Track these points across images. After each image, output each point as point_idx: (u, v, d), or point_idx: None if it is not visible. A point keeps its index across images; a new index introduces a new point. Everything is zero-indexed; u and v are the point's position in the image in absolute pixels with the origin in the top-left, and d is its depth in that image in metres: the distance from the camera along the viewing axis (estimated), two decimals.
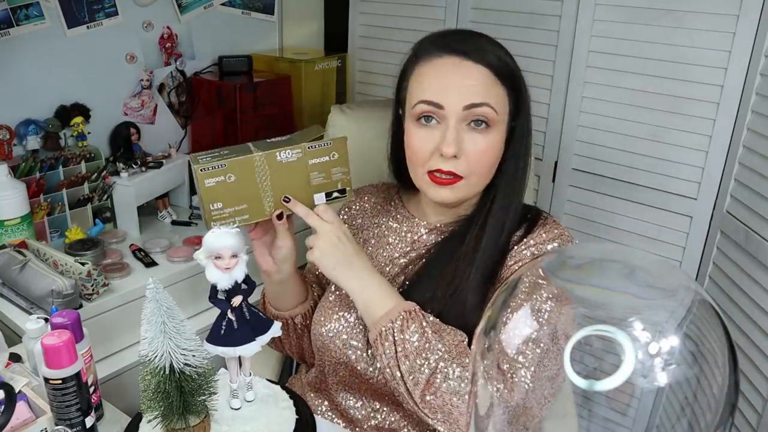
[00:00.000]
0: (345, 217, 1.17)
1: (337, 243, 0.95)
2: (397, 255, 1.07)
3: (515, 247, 0.99)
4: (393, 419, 1.03)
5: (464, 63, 0.94)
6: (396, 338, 0.90)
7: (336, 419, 1.08)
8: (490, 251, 0.98)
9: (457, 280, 0.97)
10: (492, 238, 0.99)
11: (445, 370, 0.88)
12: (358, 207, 1.17)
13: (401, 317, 0.91)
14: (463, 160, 0.95)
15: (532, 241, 0.99)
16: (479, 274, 0.97)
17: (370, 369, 1.00)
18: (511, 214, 1.00)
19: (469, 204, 1.05)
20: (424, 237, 1.06)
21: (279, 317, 1.09)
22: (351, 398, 1.06)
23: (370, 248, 1.10)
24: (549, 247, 0.99)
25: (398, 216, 1.11)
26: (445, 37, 0.99)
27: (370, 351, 0.99)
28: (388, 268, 1.06)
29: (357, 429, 1.05)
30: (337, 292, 1.05)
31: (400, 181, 1.13)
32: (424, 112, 0.96)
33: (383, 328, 0.91)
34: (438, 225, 1.06)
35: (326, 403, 1.10)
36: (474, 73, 0.94)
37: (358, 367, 1.01)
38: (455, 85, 0.94)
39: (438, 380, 0.88)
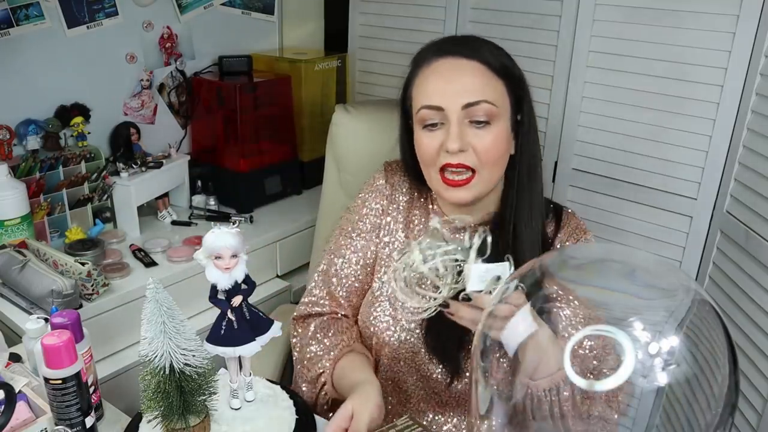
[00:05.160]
0: (387, 198, 1.13)
1: None
2: None
3: (554, 243, 1.02)
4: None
5: (460, 62, 0.96)
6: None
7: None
8: (528, 253, 0.99)
9: None
10: (528, 240, 1.00)
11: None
12: (397, 187, 1.13)
13: None
14: (471, 153, 0.96)
15: (573, 239, 1.03)
16: None
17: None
18: (538, 208, 1.02)
19: (489, 200, 1.05)
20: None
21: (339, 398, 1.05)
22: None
23: (399, 239, 1.09)
24: (587, 237, 1.04)
25: (431, 206, 1.10)
26: (438, 43, 1.02)
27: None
28: None
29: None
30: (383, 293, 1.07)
31: (421, 188, 1.11)
32: (428, 119, 0.97)
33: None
34: (468, 223, 1.06)
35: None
36: (470, 70, 0.96)
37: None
38: (452, 85, 0.96)
39: None
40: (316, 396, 1.08)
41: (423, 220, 1.10)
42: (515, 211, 1.02)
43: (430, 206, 1.10)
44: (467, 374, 1.02)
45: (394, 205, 1.12)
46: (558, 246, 1.03)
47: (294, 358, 1.13)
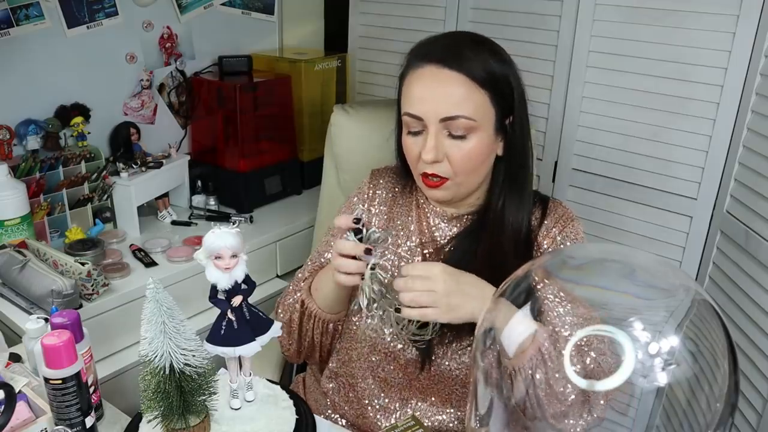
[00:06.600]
0: (369, 195, 1.16)
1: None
2: (414, 243, 1.08)
3: (541, 238, 1.03)
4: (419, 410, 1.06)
5: (442, 72, 0.95)
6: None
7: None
8: (510, 248, 1.01)
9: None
10: (510, 234, 1.02)
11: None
12: (381, 187, 1.16)
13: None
14: (446, 163, 0.98)
15: (559, 226, 1.04)
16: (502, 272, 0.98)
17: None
18: (525, 205, 1.03)
19: (474, 197, 1.06)
20: (440, 225, 1.08)
21: (330, 320, 1.09)
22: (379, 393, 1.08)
23: (393, 231, 1.11)
24: (575, 225, 1.05)
25: (415, 201, 1.12)
26: (429, 45, 1.00)
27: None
28: (408, 256, 1.08)
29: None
30: None
31: (407, 180, 1.14)
32: (410, 125, 0.99)
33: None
34: (452, 214, 1.08)
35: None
36: (453, 82, 0.95)
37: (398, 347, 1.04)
38: (432, 96, 0.96)
39: None
40: (299, 321, 1.10)
41: (405, 216, 1.11)
42: (499, 207, 1.03)
43: (417, 199, 1.11)
44: (440, 357, 1.03)
45: (376, 202, 1.14)
46: (544, 233, 1.04)
47: (282, 326, 1.14)
